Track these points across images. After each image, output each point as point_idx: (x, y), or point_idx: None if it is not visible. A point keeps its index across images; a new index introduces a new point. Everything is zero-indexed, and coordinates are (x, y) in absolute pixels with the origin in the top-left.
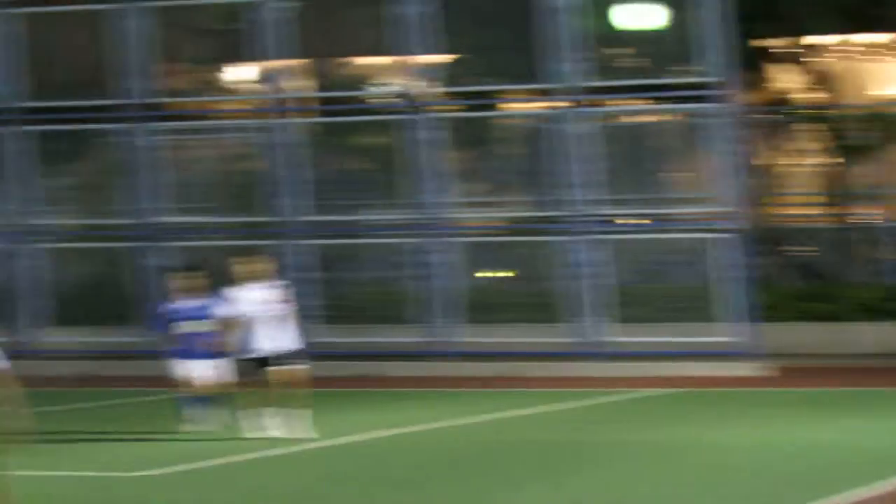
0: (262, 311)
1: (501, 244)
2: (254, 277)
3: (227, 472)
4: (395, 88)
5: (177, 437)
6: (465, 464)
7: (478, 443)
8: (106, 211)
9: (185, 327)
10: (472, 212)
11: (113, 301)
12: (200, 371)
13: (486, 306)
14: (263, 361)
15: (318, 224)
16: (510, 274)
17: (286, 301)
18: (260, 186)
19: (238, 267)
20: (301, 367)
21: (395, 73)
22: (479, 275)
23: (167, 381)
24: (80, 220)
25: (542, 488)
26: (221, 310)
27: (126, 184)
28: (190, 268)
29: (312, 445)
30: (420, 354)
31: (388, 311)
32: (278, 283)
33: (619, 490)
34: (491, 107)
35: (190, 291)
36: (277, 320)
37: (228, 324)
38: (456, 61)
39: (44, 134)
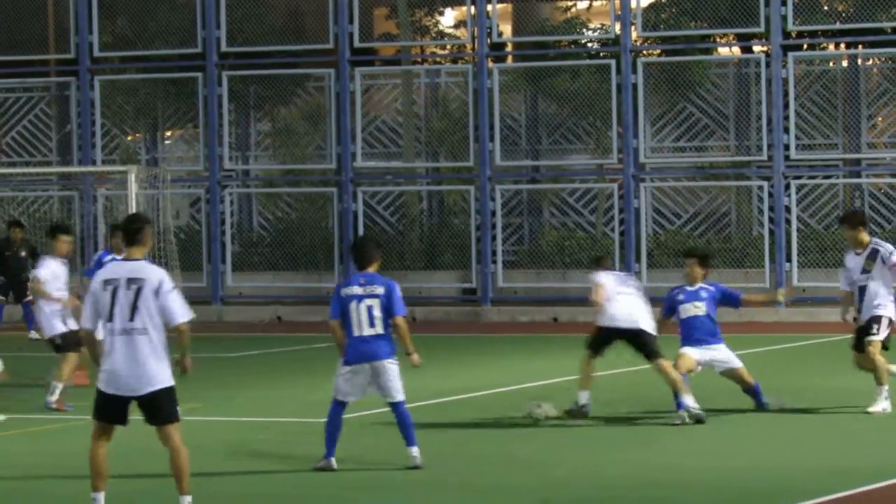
0: None
1: (701, 189)
2: None
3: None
4: (599, 33)
5: None
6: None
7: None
8: (303, 155)
9: None
10: (669, 157)
11: (310, 246)
12: None
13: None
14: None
15: (511, 169)
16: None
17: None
18: (461, 132)
19: None
20: None
21: (600, 17)
22: (671, 220)
23: None
24: (277, 165)
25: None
26: None
27: (326, 128)
28: None
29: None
30: None
31: (576, 256)
32: None
33: None
34: (697, 51)
35: None
36: None
37: None
38: (660, 4)
39: (243, 79)
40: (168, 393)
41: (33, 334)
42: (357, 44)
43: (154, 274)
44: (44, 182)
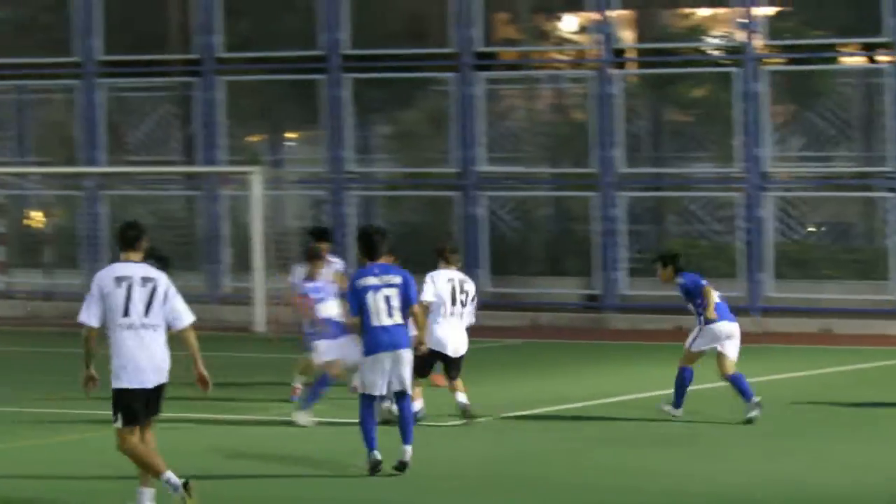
0: None
1: (820, 199)
2: None
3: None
4: (723, 40)
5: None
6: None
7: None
8: (426, 159)
9: None
10: (794, 166)
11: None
12: None
13: (801, 262)
14: None
15: (634, 176)
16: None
17: None
18: (584, 138)
19: None
20: None
21: (723, 25)
22: (796, 230)
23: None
24: (400, 168)
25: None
26: None
27: (448, 132)
28: None
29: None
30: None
31: (701, 264)
32: None
33: None
34: (822, 60)
35: None
36: None
37: None
38: (784, 13)
39: (366, 82)
40: (164, 389)
41: None
42: (480, 48)
43: (161, 276)
44: (168, 182)
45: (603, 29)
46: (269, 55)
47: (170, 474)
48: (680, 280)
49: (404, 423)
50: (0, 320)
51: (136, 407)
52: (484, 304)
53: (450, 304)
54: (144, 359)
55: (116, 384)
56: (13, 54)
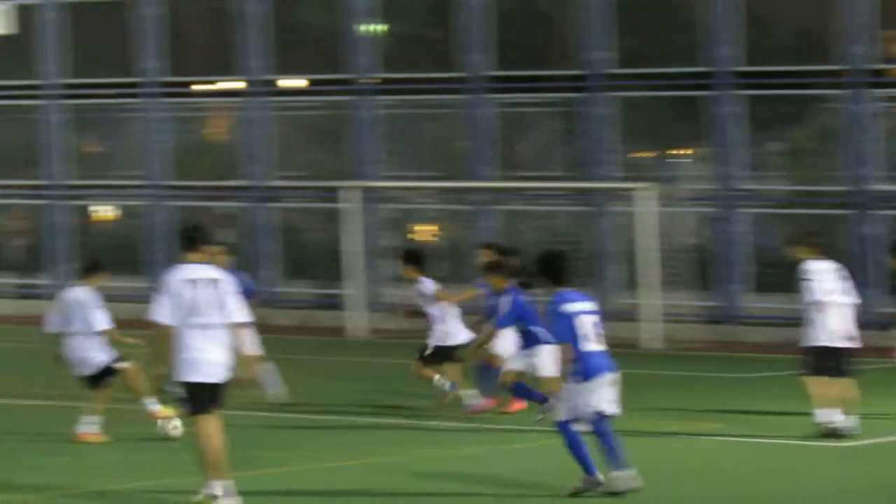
0: None
1: None
2: None
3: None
4: None
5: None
6: None
7: None
8: (817, 177)
9: None
10: None
11: None
12: None
13: None
14: None
15: None
16: None
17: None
18: None
19: None
20: None
21: None
22: None
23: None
24: (789, 186)
25: None
26: None
27: (839, 150)
28: None
29: None
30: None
31: None
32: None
33: None
34: None
35: None
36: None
37: None
38: None
39: (757, 98)
40: (225, 385)
41: None
42: (872, 65)
43: (222, 275)
44: (556, 197)
45: None
46: (656, 71)
47: (217, 483)
48: None
49: (618, 445)
50: (391, 333)
51: (208, 399)
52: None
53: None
54: (215, 355)
55: (186, 377)
56: (403, 69)
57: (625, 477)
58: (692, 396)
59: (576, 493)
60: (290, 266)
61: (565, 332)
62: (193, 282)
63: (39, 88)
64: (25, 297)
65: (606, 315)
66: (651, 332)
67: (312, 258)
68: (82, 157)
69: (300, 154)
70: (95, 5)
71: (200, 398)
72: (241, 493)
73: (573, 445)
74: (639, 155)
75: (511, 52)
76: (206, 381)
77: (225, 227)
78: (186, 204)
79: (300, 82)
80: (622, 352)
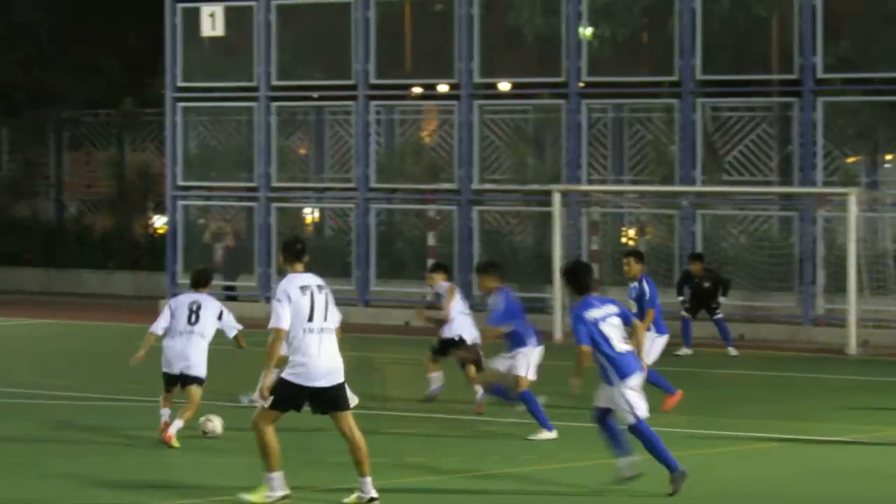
0: None
1: None
2: None
3: None
4: None
5: None
6: None
7: None
8: None
9: None
10: None
11: None
12: None
13: None
14: None
15: None
16: None
17: None
18: None
19: None
20: None
21: None
22: None
23: None
24: None
25: None
26: None
27: None
28: None
29: None
30: None
31: None
32: None
33: None
34: None
35: None
36: None
37: None
38: None
39: None
40: (344, 385)
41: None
42: None
43: (324, 283)
44: (763, 201)
45: None
46: (866, 76)
47: (277, 475)
48: None
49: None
50: None
51: (293, 401)
52: None
53: None
54: (324, 361)
55: (285, 376)
56: (612, 73)
57: (631, 462)
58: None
59: (674, 493)
60: None
61: (583, 336)
62: (306, 288)
63: (251, 91)
64: (228, 298)
65: (810, 320)
66: (854, 338)
67: (517, 262)
68: (291, 160)
69: (507, 157)
70: (308, 7)
71: (285, 398)
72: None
73: (651, 443)
74: (849, 160)
75: (721, 56)
76: (300, 384)
77: (430, 230)
78: (393, 207)
79: (508, 86)
80: (826, 357)
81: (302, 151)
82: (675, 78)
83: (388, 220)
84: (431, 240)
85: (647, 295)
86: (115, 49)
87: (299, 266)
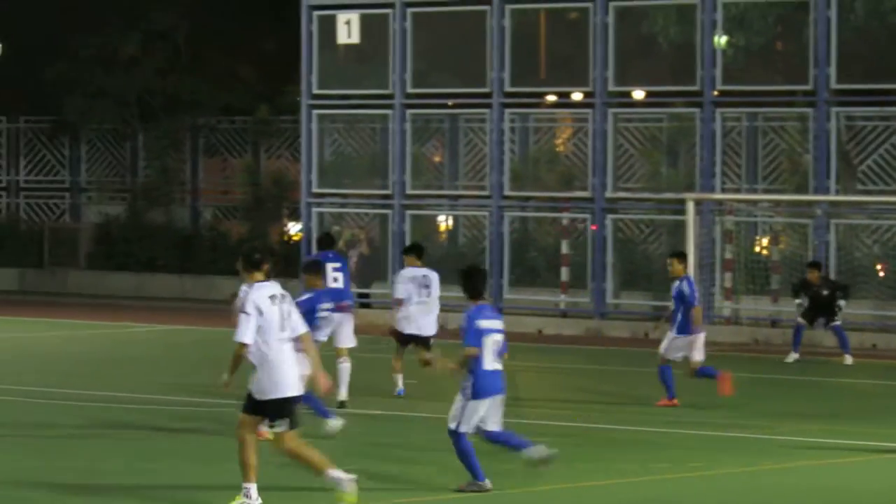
0: None
1: None
2: None
3: None
4: None
5: None
6: None
7: None
8: None
9: None
10: None
11: None
12: None
13: None
14: None
15: None
16: None
17: None
18: None
19: None
20: None
21: None
22: None
23: None
24: None
25: None
26: None
27: None
28: None
29: None
30: None
31: None
32: None
33: None
34: None
35: None
36: None
37: None
38: None
39: None
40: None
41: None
42: None
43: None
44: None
45: None
46: None
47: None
48: None
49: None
50: (727, 346)
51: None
52: None
53: None
54: (294, 369)
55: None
56: (746, 82)
57: (538, 449)
58: None
59: (460, 491)
60: (626, 277)
61: (472, 338)
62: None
63: (386, 98)
64: (361, 306)
65: None
66: None
67: (650, 270)
68: (425, 167)
69: (641, 166)
70: (443, 15)
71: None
72: None
73: (464, 454)
74: None
75: (856, 65)
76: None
77: (564, 237)
78: (527, 215)
79: (642, 94)
80: None
81: (436, 159)
82: (809, 87)
83: (522, 228)
84: (565, 248)
85: (687, 294)
86: (251, 56)
87: (259, 276)
